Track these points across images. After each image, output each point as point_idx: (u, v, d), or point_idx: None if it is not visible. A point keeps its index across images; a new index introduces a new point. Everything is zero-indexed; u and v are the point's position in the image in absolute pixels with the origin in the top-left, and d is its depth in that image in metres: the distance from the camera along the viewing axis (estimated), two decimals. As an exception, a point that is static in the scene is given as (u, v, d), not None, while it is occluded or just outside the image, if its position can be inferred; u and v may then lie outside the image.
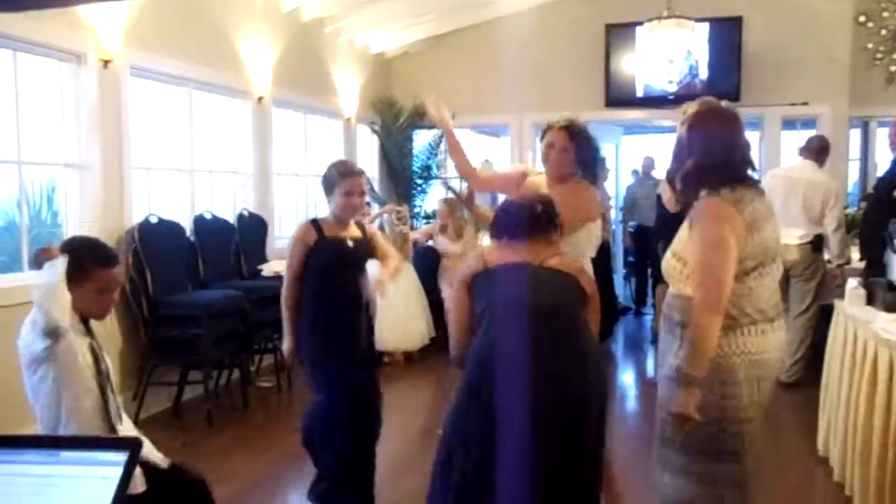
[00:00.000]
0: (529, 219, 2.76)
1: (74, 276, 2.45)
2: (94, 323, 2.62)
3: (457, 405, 2.62)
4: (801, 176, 5.78)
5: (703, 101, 2.61)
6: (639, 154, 8.64)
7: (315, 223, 3.50)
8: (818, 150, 5.91)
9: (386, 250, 3.71)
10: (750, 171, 2.52)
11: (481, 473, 2.45)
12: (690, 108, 2.58)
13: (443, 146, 9.36)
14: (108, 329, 5.02)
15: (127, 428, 2.63)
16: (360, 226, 3.62)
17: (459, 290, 2.78)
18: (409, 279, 7.07)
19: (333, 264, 3.45)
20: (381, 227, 7.40)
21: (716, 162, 2.46)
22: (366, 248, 3.58)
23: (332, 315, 3.46)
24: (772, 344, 2.47)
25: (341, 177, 3.44)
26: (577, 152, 3.36)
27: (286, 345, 3.51)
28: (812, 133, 8.93)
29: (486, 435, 2.45)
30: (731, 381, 2.40)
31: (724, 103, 2.63)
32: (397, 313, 6.77)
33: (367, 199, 8.46)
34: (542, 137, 3.45)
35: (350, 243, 3.48)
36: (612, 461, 3.30)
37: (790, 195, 5.66)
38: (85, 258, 2.51)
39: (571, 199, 3.22)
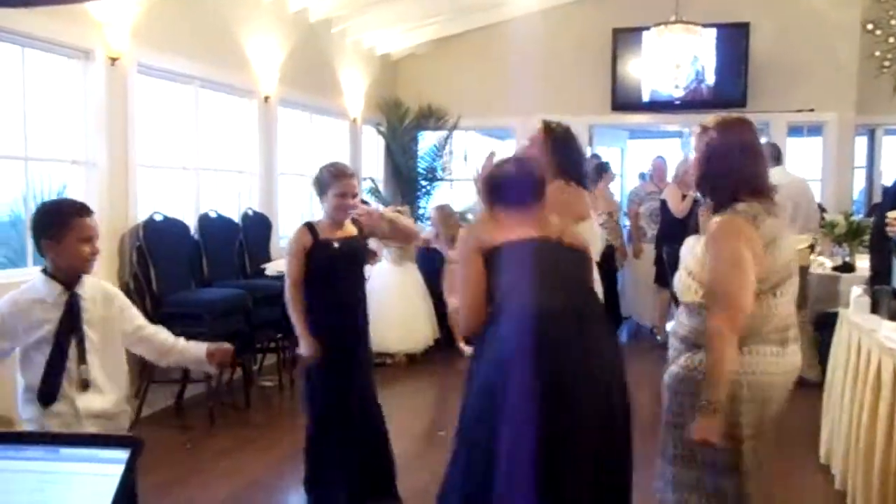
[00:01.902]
0: (536, 183, 2.64)
1: (56, 233, 2.62)
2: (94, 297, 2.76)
3: (474, 404, 2.47)
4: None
5: (723, 115, 2.57)
6: (645, 158, 8.59)
7: (310, 226, 3.51)
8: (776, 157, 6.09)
9: (404, 225, 3.83)
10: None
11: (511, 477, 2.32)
12: (712, 119, 2.53)
13: (448, 148, 9.39)
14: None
15: (91, 400, 2.70)
16: (357, 223, 3.60)
17: (474, 259, 2.55)
18: (412, 280, 7.07)
19: (326, 268, 3.47)
20: None
21: (745, 172, 2.43)
22: (356, 247, 3.58)
23: (328, 318, 3.47)
24: (786, 366, 2.44)
25: (334, 178, 3.45)
26: (555, 155, 3.31)
27: (304, 349, 3.49)
28: (819, 139, 8.95)
29: (519, 436, 2.29)
30: (737, 398, 2.36)
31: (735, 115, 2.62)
32: (400, 314, 6.77)
33: (371, 200, 8.55)
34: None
35: (336, 245, 3.48)
36: None
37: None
38: (61, 212, 2.69)
39: (559, 197, 3.21)
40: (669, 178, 7.72)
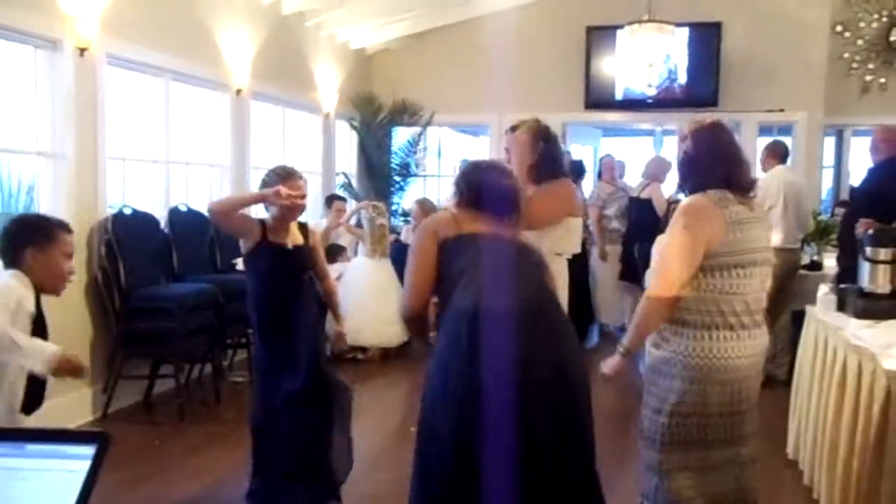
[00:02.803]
0: (516, 200, 2.66)
1: (43, 242, 2.62)
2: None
3: (434, 393, 2.40)
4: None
5: (700, 119, 2.75)
6: (618, 156, 8.58)
7: (262, 223, 3.47)
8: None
9: (323, 268, 3.71)
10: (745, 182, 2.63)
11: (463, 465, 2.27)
12: (691, 124, 2.70)
13: (422, 144, 9.37)
14: (79, 320, 4.96)
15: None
16: (304, 230, 3.60)
17: (428, 242, 2.56)
18: (386, 275, 7.05)
19: (275, 270, 3.44)
20: (359, 223, 7.38)
21: (724, 173, 2.58)
22: (305, 257, 3.56)
23: (274, 322, 3.44)
24: (753, 349, 2.59)
25: (281, 179, 3.43)
26: (544, 154, 3.36)
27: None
28: (789, 139, 9.07)
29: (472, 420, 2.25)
30: (705, 380, 2.52)
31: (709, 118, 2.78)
32: (375, 309, 6.75)
33: (344, 195, 8.53)
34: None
35: (290, 247, 3.47)
36: None
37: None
38: (49, 223, 2.72)
39: (553, 190, 3.24)
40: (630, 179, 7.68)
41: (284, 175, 3.46)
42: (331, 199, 7.54)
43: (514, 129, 3.46)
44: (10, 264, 2.65)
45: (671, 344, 2.58)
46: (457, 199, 2.68)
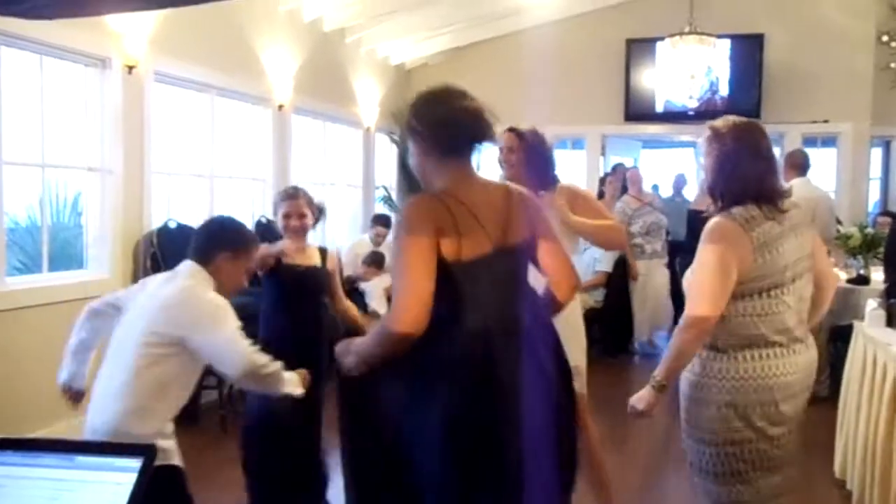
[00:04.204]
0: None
1: (238, 250, 2.68)
2: None
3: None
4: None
5: (734, 119, 2.55)
6: (658, 168, 8.57)
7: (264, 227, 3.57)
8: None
9: (337, 291, 3.74)
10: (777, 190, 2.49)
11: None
12: (723, 123, 2.52)
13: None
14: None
15: None
16: (323, 253, 3.67)
17: (429, 240, 2.03)
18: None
19: (288, 290, 3.54)
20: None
21: (756, 177, 2.43)
22: (320, 278, 3.61)
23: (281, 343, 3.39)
24: (796, 365, 2.45)
25: (280, 200, 3.60)
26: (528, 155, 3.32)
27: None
28: (833, 151, 8.91)
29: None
30: (743, 404, 2.40)
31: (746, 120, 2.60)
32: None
33: (384, 209, 8.57)
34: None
35: (303, 269, 3.54)
36: (600, 454, 3.30)
37: None
38: (249, 235, 2.81)
39: (593, 201, 3.20)
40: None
41: (283, 195, 3.63)
42: (376, 220, 7.55)
43: (512, 129, 3.45)
44: (200, 260, 2.66)
45: (704, 369, 2.44)
46: (423, 142, 2.19)
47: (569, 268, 2.31)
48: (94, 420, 2.48)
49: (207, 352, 2.53)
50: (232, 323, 2.55)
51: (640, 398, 2.41)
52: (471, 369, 2.04)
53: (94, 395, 2.57)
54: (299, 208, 3.56)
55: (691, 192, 8.36)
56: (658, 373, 2.39)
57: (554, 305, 2.29)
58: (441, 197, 2.10)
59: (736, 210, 2.41)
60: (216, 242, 2.69)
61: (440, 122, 2.17)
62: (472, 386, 2.04)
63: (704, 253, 2.40)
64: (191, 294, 2.55)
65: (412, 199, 2.17)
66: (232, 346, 2.52)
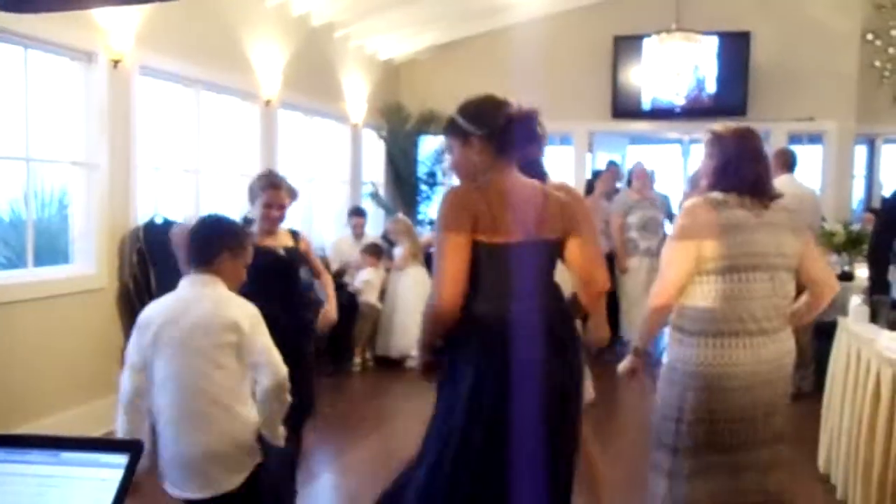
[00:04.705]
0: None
1: (238, 250, 2.69)
2: None
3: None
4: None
5: (732, 124, 2.75)
6: (646, 164, 8.53)
7: (248, 223, 3.53)
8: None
9: (318, 266, 3.83)
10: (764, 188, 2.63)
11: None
12: (723, 128, 2.70)
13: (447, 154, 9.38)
14: (111, 328, 5.03)
15: None
16: (294, 235, 3.68)
17: (464, 230, 2.28)
18: (425, 283, 7.05)
19: (266, 270, 3.42)
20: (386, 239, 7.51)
21: (752, 178, 2.59)
22: (296, 258, 3.63)
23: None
24: (762, 356, 2.58)
25: (261, 189, 3.53)
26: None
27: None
28: (819, 148, 8.96)
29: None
30: (686, 385, 2.59)
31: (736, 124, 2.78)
32: (415, 319, 6.73)
33: (372, 204, 8.57)
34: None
35: (281, 251, 3.53)
36: (592, 448, 3.32)
37: None
38: (242, 232, 2.81)
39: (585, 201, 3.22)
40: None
41: (265, 184, 3.55)
42: (353, 212, 7.63)
43: None
44: (204, 264, 2.64)
45: (675, 352, 2.65)
46: (479, 144, 2.39)
47: (599, 273, 2.54)
48: (195, 450, 2.53)
49: (256, 348, 2.56)
50: (267, 332, 2.61)
51: (622, 365, 2.80)
52: (492, 337, 2.30)
53: (170, 438, 2.57)
54: (281, 199, 3.55)
55: (661, 188, 8.12)
56: (635, 340, 2.84)
57: (577, 307, 2.57)
58: (481, 186, 2.34)
59: (714, 193, 2.59)
60: (216, 245, 2.68)
61: (502, 126, 2.39)
62: (496, 348, 2.29)
63: (671, 236, 2.65)
64: (228, 298, 2.62)
65: (452, 188, 2.44)
66: (273, 353, 2.57)
